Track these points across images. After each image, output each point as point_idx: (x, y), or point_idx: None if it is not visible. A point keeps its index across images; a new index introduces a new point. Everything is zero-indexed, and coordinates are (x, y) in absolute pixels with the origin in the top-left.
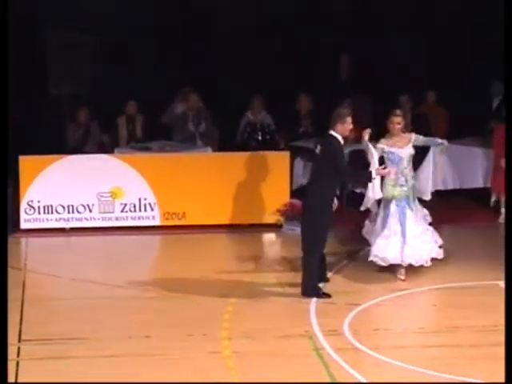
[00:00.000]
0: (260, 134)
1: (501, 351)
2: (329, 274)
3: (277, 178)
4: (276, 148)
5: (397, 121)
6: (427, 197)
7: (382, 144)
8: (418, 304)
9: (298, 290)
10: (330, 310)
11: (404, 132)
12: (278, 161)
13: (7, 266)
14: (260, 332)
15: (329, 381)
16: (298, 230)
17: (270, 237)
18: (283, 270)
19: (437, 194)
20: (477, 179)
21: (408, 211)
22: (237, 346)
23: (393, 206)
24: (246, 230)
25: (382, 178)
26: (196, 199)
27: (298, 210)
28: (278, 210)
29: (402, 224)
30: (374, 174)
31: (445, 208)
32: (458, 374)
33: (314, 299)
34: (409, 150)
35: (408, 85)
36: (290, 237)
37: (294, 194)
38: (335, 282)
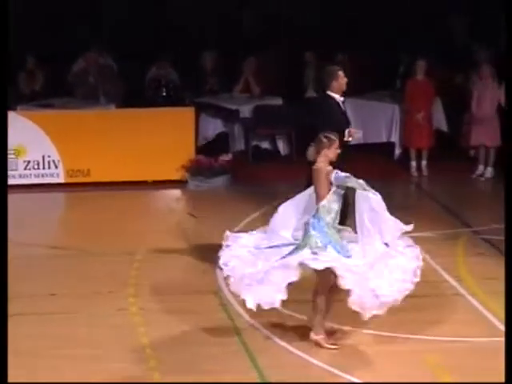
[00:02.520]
0: (165, 89)
1: (408, 303)
2: (237, 228)
3: (182, 134)
4: (181, 104)
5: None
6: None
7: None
8: None
9: (205, 245)
10: None
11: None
12: (183, 117)
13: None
14: (167, 288)
15: (235, 336)
16: (203, 186)
17: (175, 193)
18: (189, 226)
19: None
20: (380, 134)
21: None
22: (144, 302)
23: None
24: (151, 186)
25: None
26: (100, 156)
27: (203, 166)
28: (184, 166)
29: None
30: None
31: (349, 162)
32: (365, 327)
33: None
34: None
35: (316, 43)
36: (196, 193)
37: (200, 150)
38: None
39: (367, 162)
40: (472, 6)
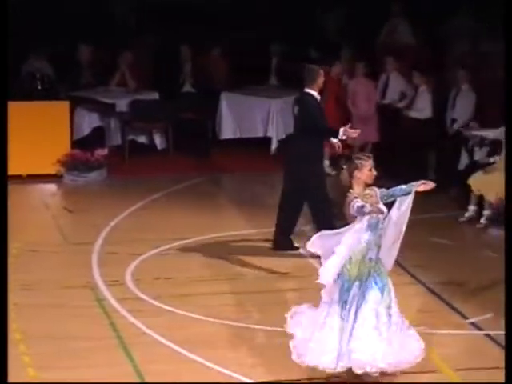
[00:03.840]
0: (40, 83)
1: (285, 297)
2: (113, 223)
3: (57, 127)
4: (56, 98)
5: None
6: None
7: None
8: (198, 253)
9: (80, 239)
10: (113, 260)
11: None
12: (59, 111)
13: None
14: (40, 283)
15: (111, 331)
16: (79, 180)
17: (51, 187)
18: (65, 220)
19: (218, 143)
20: (256, 129)
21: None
22: (17, 297)
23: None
24: (26, 180)
25: None
26: None
27: (78, 160)
28: (59, 161)
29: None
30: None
31: (226, 156)
32: (240, 321)
33: (97, 249)
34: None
35: (191, 36)
36: (72, 187)
37: (76, 144)
38: (118, 231)
39: (244, 156)
40: (345, 5)
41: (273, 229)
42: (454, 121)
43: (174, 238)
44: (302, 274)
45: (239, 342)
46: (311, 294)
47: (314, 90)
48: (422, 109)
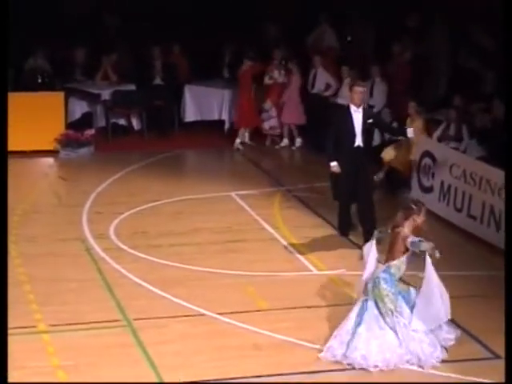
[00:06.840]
0: (40, 78)
1: (235, 246)
2: (99, 189)
3: (54, 113)
4: (53, 89)
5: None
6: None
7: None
8: (167, 212)
9: (72, 202)
10: (98, 218)
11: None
12: (55, 99)
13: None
14: (41, 237)
15: (98, 274)
16: (71, 155)
17: (49, 161)
18: (60, 187)
19: (183, 125)
20: (213, 113)
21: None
22: (22, 248)
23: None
24: (29, 155)
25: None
26: None
27: (71, 139)
28: (56, 139)
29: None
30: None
31: (189, 135)
32: (201, 265)
33: (86, 209)
34: None
35: (159, 40)
36: (65, 160)
37: (69, 126)
38: (103, 195)
39: (203, 134)
40: (285, 12)
41: (227, 192)
42: (371, 107)
43: (147, 200)
44: (253, 227)
45: (199, 283)
46: (256, 245)
47: (351, 102)
48: (347, 96)
